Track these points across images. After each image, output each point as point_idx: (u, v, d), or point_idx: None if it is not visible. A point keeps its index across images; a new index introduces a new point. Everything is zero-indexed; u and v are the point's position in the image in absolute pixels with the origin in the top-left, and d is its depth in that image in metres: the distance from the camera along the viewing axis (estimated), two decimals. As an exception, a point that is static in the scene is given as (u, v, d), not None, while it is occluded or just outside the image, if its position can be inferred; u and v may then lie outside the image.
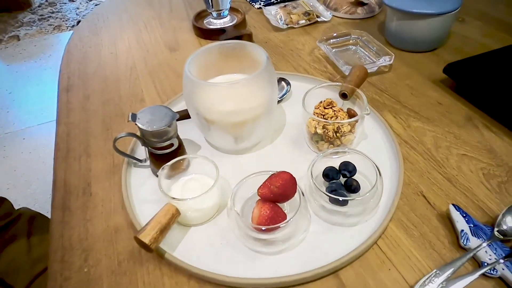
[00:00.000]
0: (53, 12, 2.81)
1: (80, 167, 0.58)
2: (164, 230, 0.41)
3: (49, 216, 0.85)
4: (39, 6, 2.87)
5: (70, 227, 0.50)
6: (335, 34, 0.79)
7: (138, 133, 0.50)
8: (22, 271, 0.72)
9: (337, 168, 0.48)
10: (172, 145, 0.50)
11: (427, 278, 0.40)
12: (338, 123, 0.51)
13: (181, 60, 0.80)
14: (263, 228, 0.41)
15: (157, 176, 0.53)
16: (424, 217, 0.47)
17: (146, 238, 0.40)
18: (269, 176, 0.43)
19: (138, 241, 0.41)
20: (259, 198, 0.43)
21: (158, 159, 0.51)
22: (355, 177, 0.48)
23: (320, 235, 0.45)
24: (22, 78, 2.20)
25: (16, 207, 0.85)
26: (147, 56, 0.82)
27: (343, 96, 0.56)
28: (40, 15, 2.77)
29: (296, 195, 0.44)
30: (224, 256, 0.44)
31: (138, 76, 0.76)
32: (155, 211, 0.45)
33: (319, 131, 0.52)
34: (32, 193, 1.54)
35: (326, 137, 0.52)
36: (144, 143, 0.50)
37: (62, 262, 0.46)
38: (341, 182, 0.47)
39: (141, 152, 0.57)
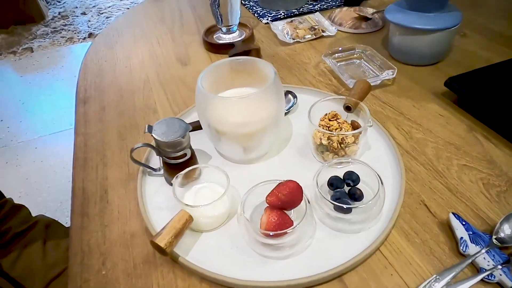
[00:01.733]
0: (65, 25, 2.90)
1: (97, 176, 0.61)
2: (178, 235, 0.44)
3: (61, 223, 0.89)
4: (52, 19, 2.96)
5: (89, 232, 0.53)
6: (340, 48, 0.82)
7: (153, 144, 0.54)
8: (38, 275, 0.75)
9: (342, 178, 0.50)
10: (185, 155, 0.53)
11: (427, 283, 0.42)
12: (342, 134, 0.53)
13: (192, 74, 0.83)
14: (271, 234, 0.43)
15: (171, 184, 0.56)
16: (425, 225, 0.49)
17: (161, 242, 0.42)
18: (277, 185, 0.46)
19: (154, 245, 0.44)
20: (267, 205, 0.46)
21: (172, 168, 0.54)
22: (358, 186, 0.50)
23: (325, 241, 0.47)
24: (35, 88, 2.27)
25: (27, 214, 0.89)
26: (160, 69, 0.86)
27: (347, 108, 0.59)
28: (53, 28, 2.85)
29: (302, 203, 0.46)
30: (235, 260, 0.46)
31: (151, 89, 0.80)
32: (169, 217, 0.48)
33: (324, 142, 0.55)
34: (43, 201, 1.58)
35: (331, 148, 0.54)
36: (159, 153, 0.53)
37: (81, 265, 0.49)
38: (345, 191, 0.50)
39: (155, 161, 0.60)
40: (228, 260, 0.47)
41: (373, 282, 0.44)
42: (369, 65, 0.79)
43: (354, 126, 0.57)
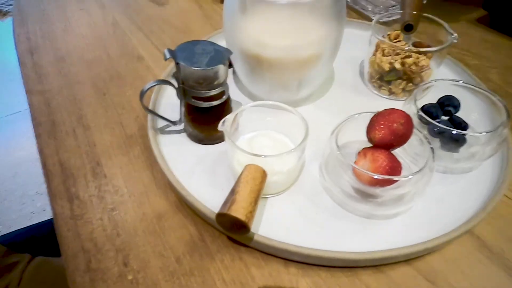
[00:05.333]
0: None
1: (78, 143, 0.42)
2: (257, 199, 0.28)
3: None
4: None
5: (87, 221, 0.34)
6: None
7: (172, 80, 0.36)
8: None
9: (437, 104, 0.39)
10: (223, 93, 0.37)
11: None
12: (425, 51, 0.41)
13: (176, 13, 0.65)
14: (394, 179, 0.30)
15: (198, 141, 0.39)
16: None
17: (240, 213, 0.27)
18: (377, 116, 0.32)
19: (224, 220, 0.28)
20: (365, 147, 0.32)
21: (202, 116, 0.37)
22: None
23: (437, 188, 0.36)
24: None
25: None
26: (130, 11, 0.66)
27: (407, 28, 0.47)
28: None
29: (416, 140, 0.33)
30: (325, 229, 0.33)
31: (126, 33, 0.60)
32: (209, 184, 0.34)
33: (398, 66, 0.42)
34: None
35: (408, 72, 0.42)
36: (183, 94, 0.36)
37: (89, 272, 0.31)
38: (445, 121, 0.38)
39: (164, 112, 0.42)
40: (316, 230, 0.32)
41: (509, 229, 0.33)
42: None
43: (423, 47, 0.45)
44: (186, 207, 0.35)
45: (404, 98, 0.45)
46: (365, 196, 0.33)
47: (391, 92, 0.45)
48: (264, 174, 0.30)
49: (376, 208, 0.33)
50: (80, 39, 0.58)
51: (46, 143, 0.42)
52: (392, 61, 0.43)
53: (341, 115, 0.36)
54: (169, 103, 0.44)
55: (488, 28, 0.61)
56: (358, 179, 0.32)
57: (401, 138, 0.32)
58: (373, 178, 0.30)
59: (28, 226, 0.65)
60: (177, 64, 0.34)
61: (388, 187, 0.31)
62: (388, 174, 0.31)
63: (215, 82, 0.35)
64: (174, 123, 0.40)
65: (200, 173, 0.37)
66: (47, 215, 1.21)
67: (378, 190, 0.32)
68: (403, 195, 0.33)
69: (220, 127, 0.33)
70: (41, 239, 0.61)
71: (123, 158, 0.40)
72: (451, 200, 0.35)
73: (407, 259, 0.31)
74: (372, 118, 0.33)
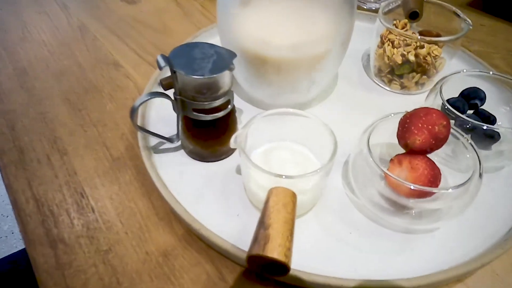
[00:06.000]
0: None
1: (55, 172, 0.35)
2: (293, 230, 0.24)
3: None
4: None
5: (78, 270, 0.28)
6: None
7: (167, 90, 0.31)
8: None
9: (462, 98, 0.35)
10: (229, 102, 0.32)
11: None
12: (441, 40, 0.38)
13: (150, 12, 0.58)
14: (437, 191, 0.26)
15: (201, 159, 0.34)
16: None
17: (278, 252, 0.22)
18: (409, 119, 0.29)
19: (258, 260, 0.23)
20: (398, 153, 0.28)
21: (205, 131, 0.32)
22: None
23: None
24: None
25: None
26: (97, 12, 0.58)
27: (413, 16, 0.43)
28: None
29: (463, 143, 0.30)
30: (364, 251, 0.28)
31: (96, 37, 0.53)
32: (222, 211, 0.30)
33: (412, 58, 0.39)
34: None
35: (423, 64, 0.39)
36: (181, 107, 0.31)
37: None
38: (472, 115, 0.35)
39: (155, 127, 0.36)
40: (353, 254, 0.28)
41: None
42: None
43: (431, 35, 0.42)
44: (198, 240, 0.30)
45: (417, 92, 0.42)
46: (400, 209, 0.30)
47: (403, 86, 0.42)
48: (295, 199, 0.25)
49: (415, 222, 0.30)
50: (42, 47, 0.51)
51: (14, 176, 0.35)
52: (404, 52, 0.39)
53: (355, 115, 0.32)
54: (161, 116, 0.38)
55: (481, 12, 0.59)
56: (393, 190, 0.28)
57: (441, 142, 0.28)
58: (412, 189, 0.26)
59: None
60: (174, 72, 0.28)
61: (429, 198, 0.28)
62: (431, 183, 0.27)
63: (220, 91, 0.30)
64: (170, 140, 0.34)
65: (209, 197, 0.32)
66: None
67: (418, 202, 0.28)
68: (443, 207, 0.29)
69: (232, 144, 0.28)
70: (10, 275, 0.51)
71: (112, 186, 0.34)
72: (495, 204, 0.32)
73: (461, 278, 0.28)
74: (404, 120, 0.29)
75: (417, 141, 0.27)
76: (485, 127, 0.31)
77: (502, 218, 0.31)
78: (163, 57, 0.28)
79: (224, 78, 0.29)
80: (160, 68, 0.28)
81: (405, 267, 0.27)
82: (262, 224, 0.23)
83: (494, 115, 0.34)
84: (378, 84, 0.43)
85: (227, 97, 0.31)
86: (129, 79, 0.46)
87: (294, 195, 0.25)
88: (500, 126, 0.34)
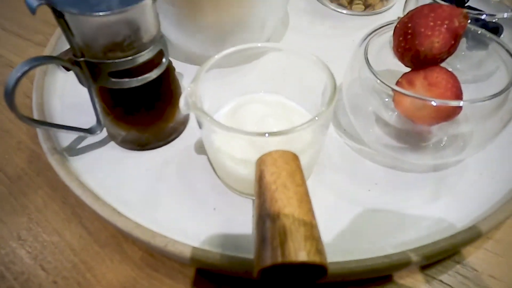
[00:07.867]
0: None
1: None
2: (313, 210, 0.15)
3: None
4: None
5: None
6: None
7: (59, 53, 0.20)
8: None
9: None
10: (161, 54, 0.21)
11: None
12: None
13: None
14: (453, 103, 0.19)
15: (141, 147, 0.24)
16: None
17: (305, 252, 0.13)
18: (414, 20, 0.21)
19: (276, 272, 0.14)
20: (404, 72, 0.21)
21: (136, 105, 0.22)
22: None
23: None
24: None
25: None
26: None
27: None
28: None
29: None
30: (396, 213, 0.21)
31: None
32: (192, 210, 0.21)
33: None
34: None
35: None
36: (91, 74, 0.20)
37: None
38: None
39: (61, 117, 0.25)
40: (370, 226, 0.21)
41: None
42: None
43: None
44: (166, 261, 0.20)
45: (383, 9, 0.35)
46: (417, 142, 0.23)
47: (366, 5, 0.34)
48: (299, 162, 0.17)
49: (438, 155, 0.23)
50: None
51: None
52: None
53: (324, 51, 0.23)
54: (70, 102, 0.27)
55: None
56: (410, 118, 0.21)
57: (457, 43, 0.21)
58: (437, 110, 0.19)
59: None
60: (60, 16, 0.17)
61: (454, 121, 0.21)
62: (459, 98, 0.20)
63: (144, 37, 0.20)
64: (89, 131, 0.23)
65: (166, 196, 0.22)
66: None
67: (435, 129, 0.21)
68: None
69: (183, 108, 0.18)
70: None
71: (19, 219, 0.23)
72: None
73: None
74: (403, 26, 0.21)
75: (435, 43, 0.20)
76: (493, 20, 0.25)
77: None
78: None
79: (146, 14, 0.19)
80: (33, 10, 0.17)
81: (452, 212, 0.21)
82: (266, 214, 0.14)
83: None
84: (335, 10, 0.36)
85: (158, 45, 0.21)
86: (12, 68, 0.33)
87: (297, 158, 0.17)
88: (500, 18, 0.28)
